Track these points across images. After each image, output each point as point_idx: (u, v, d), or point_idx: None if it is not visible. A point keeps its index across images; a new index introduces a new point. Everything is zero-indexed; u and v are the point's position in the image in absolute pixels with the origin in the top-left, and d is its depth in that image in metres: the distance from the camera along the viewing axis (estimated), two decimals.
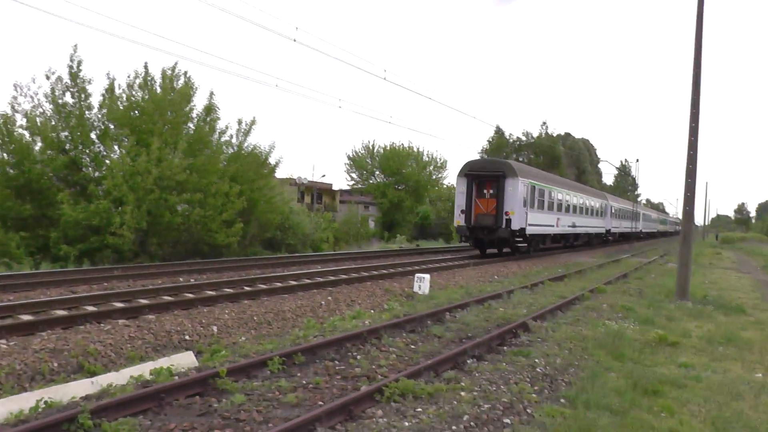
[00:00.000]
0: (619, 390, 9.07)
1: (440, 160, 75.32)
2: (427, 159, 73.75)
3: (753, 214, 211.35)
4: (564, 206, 40.38)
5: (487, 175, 31.85)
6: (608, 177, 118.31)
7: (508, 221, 30.86)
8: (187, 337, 12.24)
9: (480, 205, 31.84)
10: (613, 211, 57.73)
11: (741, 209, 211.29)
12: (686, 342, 13.47)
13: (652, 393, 9.26)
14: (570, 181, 52.02)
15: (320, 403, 7.62)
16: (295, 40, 21.64)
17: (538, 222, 34.91)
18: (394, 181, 71.15)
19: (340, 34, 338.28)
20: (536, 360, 10.44)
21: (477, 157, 65.42)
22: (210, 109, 30.95)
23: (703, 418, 8.33)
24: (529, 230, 32.98)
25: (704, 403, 8.97)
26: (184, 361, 9.53)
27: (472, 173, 32.07)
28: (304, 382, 8.49)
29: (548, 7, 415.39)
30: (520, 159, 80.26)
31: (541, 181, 36.21)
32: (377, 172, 72.44)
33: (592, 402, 8.36)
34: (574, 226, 43.16)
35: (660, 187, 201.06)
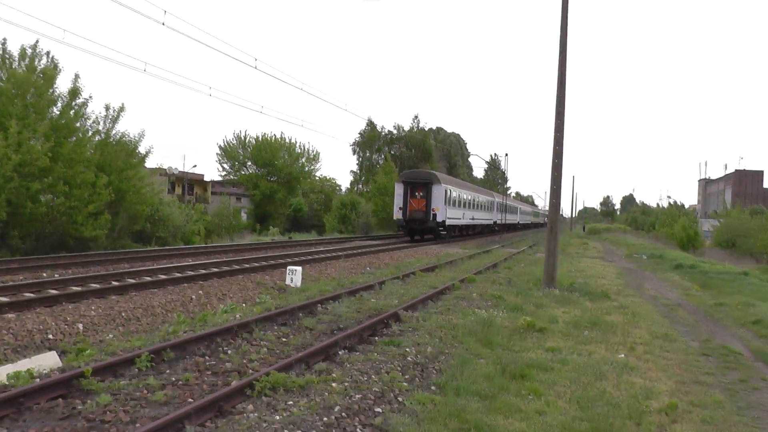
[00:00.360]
0: (488, 375, 9.40)
1: (313, 152, 75.19)
2: (299, 151, 73.43)
3: (617, 206, 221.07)
4: (467, 204, 52.45)
5: (418, 182, 43.03)
6: (479, 170, 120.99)
7: (434, 216, 42.29)
8: (50, 337, 11.83)
9: (413, 204, 42.57)
10: (498, 206, 70.97)
11: (606, 202, 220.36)
12: (553, 327, 14.04)
13: (520, 377, 9.65)
14: (470, 184, 64.67)
15: (190, 400, 7.54)
16: (163, 24, 21.16)
17: (453, 216, 46.60)
18: (266, 172, 70.48)
19: (211, 21, 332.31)
20: (407, 349, 10.65)
21: (349, 148, 79.18)
22: (75, 92, 29.20)
23: (568, 398, 8.77)
24: (448, 222, 44.74)
25: (570, 384, 9.44)
26: (47, 361, 9.18)
27: (408, 180, 43.29)
28: (174, 379, 8.37)
29: (418, 2, 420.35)
30: (392, 152, 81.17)
31: (455, 186, 48.63)
32: (249, 163, 71.49)
33: (462, 388, 8.63)
34: (473, 219, 55.59)
35: (529, 180, 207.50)
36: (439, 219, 42.54)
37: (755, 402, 9.50)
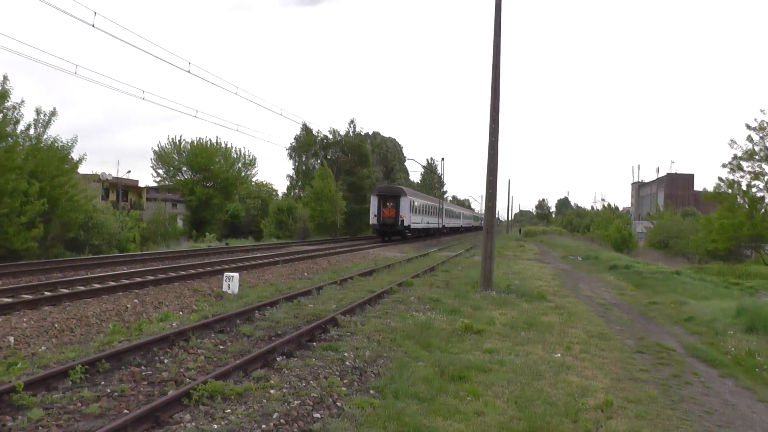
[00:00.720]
0: (427, 378, 9.44)
1: (249, 156, 74.65)
2: (235, 155, 72.81)
3: (553, 209, 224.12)
4: (425, 211, 62.90)
5: (389, 194, 53.53)
6: (415, 175, 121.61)
7: (402, 221, 52.62)
8: None
9: (385, 212, 52.76)
10: (446, 212, 79.45)
11: (542, 204, 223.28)
12: (491, 329, 14.18)
13: (458, 379, 9.74)
14: (425, 194, 74.26)
15: (126, 411, 7.41)
16: (93, 26, 20.69)
17: (416, 221, 57.27)
18: (202, 177, 69.66)
19: (143, 24, 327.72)
20: (345, 354, 10.63)
21: (285, 153, 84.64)
22: (4, 95, 28.38)
23: (506, 398, 8.87)
24: (412, 226, 55.73)
25: (508, 384, 9.56)
26: None
27: (380, 194, 53.91)
28: (109, 390, 8.21)
29: (354, 9, 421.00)
30: (328, 157, 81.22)
31: (416, 198, 59.52)
32: (185, 169, 70.50)
33: (400, 391, 8.66)
34: (428, 223, 65.16)
35: (465, 183, 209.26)
36: (405, 224, 53.24)
37: (687, 396, 9.78)
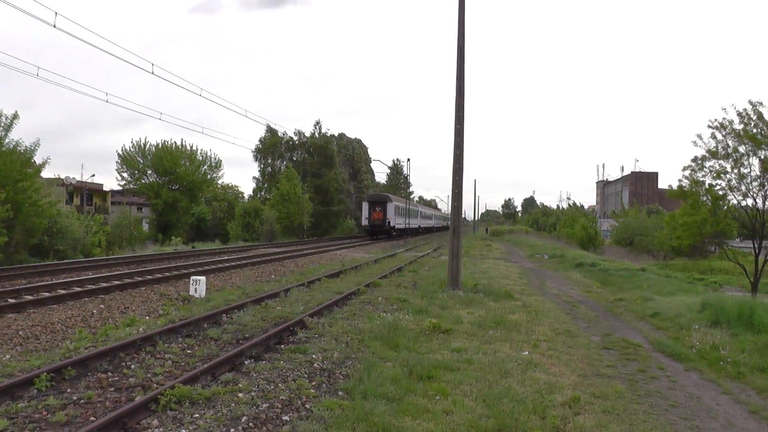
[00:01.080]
0: (395, 378, 9.47)
1: (215, 159, 74.01)
2: (201, 158, 72.18)
3: (519, 208, 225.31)
4: (405, 214, 73.40)
5: (377, 201, 65.23)
6: (381, 176, 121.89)
7: (388, 222, 63.78)
8: None
9: (374, 216, 63.87)
10: (421, 214, 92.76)
11: (508, 204, 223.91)
12: (459, 328, 14.25)
13: (427, 378, 9.79)
14: (405, 199, 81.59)
15: (92, 418, 7.33)
16: (55, 26, 20.45)
17: (399, 222, 68.98)
18: (167, 180, 68.97)
19: (104, 25, 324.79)
20: (314, 356, 10.63)
21: (250, 156, 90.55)
22: None
23: (475, 396, 8.93)
24: (397, 227, 67.44)
25: (476, 383, 9.62)
26: None
27: (371, 200, 65.95)
28: (75, 397, 8.12)
29: (318, 10, 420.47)
30: (294, 158, 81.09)
31: (399, 203, 71.56)
32: (150, 172, 69.64)
33: (369, 392, 8.68)
34: (408, 224, 75.19)
35: (431, 183, 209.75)
36: (391, 225, 64.85)
37: (653, 390, 9.93)
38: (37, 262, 30.53)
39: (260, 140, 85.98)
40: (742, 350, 12.49)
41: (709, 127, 25.17)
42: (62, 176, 58.54)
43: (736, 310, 14.95)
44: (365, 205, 65.72)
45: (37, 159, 32.85)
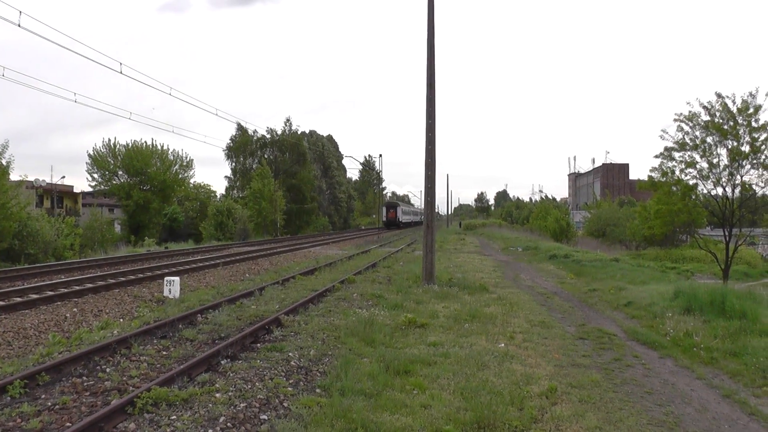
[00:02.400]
0: (372, 374, 9.46)
1: (186, 158, 73.61)
2: (172, 158, 71.72)
3: (492, 201, 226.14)
4: (408, 213, 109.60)
5: (391, 205, 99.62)
6: (353, 172, 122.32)
7: (398, 219, 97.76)
8: None
9: (389, 215, 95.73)
10: (414, 212, 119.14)
11: (481, 198, 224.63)
12: (434, 322, 14.27)
13: (404, 373, 9.79)
14: (408, 203, 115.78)
15: (68, 424, 7.25)
16: (19, 25, 20.20)
17: (405, 219, 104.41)
18: (139, 181, 68.49)
19: (71, 25, 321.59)
20: (290, 354, 10.61)
21: (222, 154, 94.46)
22: None
23: (452, 390, 8.95)
24: (403, 221, 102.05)
25: (453, 376, 9.64)
26: None
27: (387, 205, 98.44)
28: (50, 403, 8.03)
29: (287, 9, 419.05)
30: (267, 156, 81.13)
31: (405, 206, 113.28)
32: (120, 172, 69.07)
33: (346, 388, 8.68)
34: (410, 220, 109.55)
35: (404, 178, 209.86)
36: (400, 220, 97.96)
37: (629, 378, 10.02)
38: (8, 266, 30.17)
39: (231, 138, 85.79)
40: (714, 336, 12.62)
41: (675, 120, 25.52)
42: (32, 178, 57.83)
43: (708, 298, 15.09)
44: (383, 209, 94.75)
45: (3, 161, 32.43)
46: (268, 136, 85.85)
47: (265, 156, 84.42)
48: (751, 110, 23.91)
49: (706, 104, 24.68)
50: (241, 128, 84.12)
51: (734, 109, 24.16)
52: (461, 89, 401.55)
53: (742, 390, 9.55)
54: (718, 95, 24.35)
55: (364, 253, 37.31)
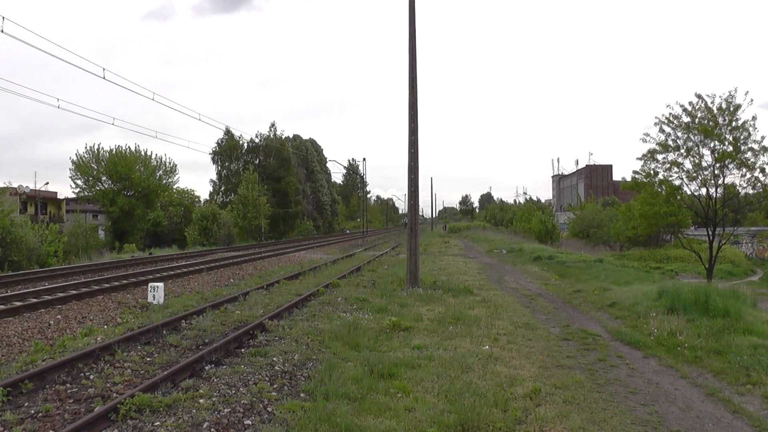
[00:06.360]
0: (356, 378, 9.47)
1: (170, 163, 73.27)
2: (156, 163, 71.37)
3: (476, 204, 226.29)
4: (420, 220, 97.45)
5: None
6: (337, 176, 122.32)
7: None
8: None
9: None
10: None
11: (465, 200, 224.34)
12: (419, 325, 14.28)
13: (388, 376, 9.80)
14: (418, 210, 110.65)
15: (51, 431, 7.24)
16: (2, 31, 20.06)
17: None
18: (122, 187, 68.11)
19: (57, 32, 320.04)
20: (274, 359, 10.59)
21: (206, 160, 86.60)
22: None
23: (436, 392, 8.96)
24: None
25: (437, 379, 9.65)
26: None
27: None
28: (33, 411, 8.00)
29: (271, 15, 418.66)
30: (253, 161, 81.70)
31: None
32: (104, 178, 68.68)
33: (331, 392, 8.68)
34: (421, 224, 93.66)
35: (389, 183, 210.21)
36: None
37: (613, 378, 10.07)
38: None
39: (217, 143, 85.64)
40: (698, 335, 12.68)
41: (656, 123, 25.72)
42: (15, 185, 57.50)
43: (692, 297, 15.16)
44: (405, 216, 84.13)
45: None
46: (257, 140, 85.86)
47: (252, 161, 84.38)
48: (732, 109, 24.13)
49: (686, 105, 24.88)
50: (228, 133, 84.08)
51: (715, 110, 24.37)
52: (445, 92, 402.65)
53: (726, 388, 9.62)
54: (698, 96, 24.55)
55: (348, 257, 37.30)
